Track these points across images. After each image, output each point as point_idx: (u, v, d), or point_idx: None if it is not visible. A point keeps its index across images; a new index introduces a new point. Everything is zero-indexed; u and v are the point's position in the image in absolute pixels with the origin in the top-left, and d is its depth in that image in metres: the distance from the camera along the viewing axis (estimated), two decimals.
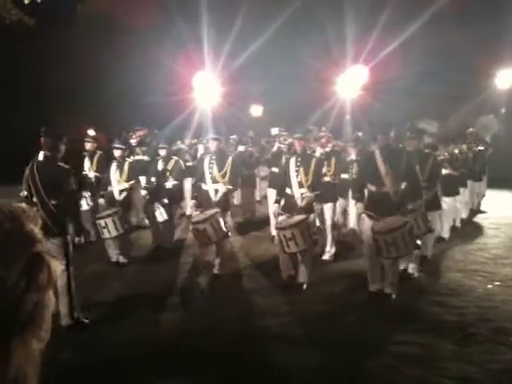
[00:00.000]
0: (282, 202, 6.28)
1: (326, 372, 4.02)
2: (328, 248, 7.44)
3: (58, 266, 0.85)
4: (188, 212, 9.66)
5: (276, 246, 6.64)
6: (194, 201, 6.90)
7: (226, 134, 10.79)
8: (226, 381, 3.98)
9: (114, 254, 7.27)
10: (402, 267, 6.15)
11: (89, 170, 8.73)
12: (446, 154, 8.40)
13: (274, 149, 9.56)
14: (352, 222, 8.70)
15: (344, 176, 8.00)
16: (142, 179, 8.54)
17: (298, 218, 5.80)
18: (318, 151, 7.66)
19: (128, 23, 17.78)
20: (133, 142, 10.06)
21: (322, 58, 16.46)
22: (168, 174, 8.12)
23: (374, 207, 5.59)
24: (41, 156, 4.97)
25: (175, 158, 8.44)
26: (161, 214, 7.85)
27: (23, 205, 0.88)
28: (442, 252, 7.55)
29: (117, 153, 7.82)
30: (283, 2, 17.91)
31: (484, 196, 11.52)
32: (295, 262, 6.10)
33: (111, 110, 17.36)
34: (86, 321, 5.02)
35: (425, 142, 7.23)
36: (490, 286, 6.01)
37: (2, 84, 16.41)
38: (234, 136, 12.66)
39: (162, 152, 8.29)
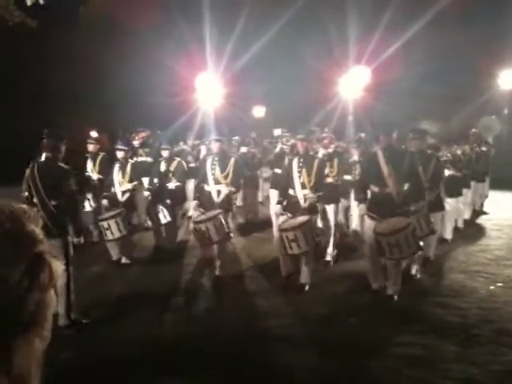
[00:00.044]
0: (285, 203, 6.28)
1: (327, 373, 4.02)
2: (330, 249, 7.43)
3: (59, 266, 0.85)
4: (190, 213, 9.68)
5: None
6: (196, 201, 6.91)
7: (228, 135, 10.82)
8: (227, 381, 3.99)
9: (116, 254, 7.28)
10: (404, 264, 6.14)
11: (91, 171, 8.75)
12: (448, 154, 8.39)
13: (277, 150, 9.56)
14: (354, 224, 8.69)
15: (347, 177, 7.99)
16: (145, 180, 8.55)
17: (301, 219, 5.79)
18: (321, 152, 7.66)
19: (130, 24, 17.82)
20: (135, 143, 10.08)
21: (325, 59, 16.48)
22: (170, 175, 8.13)
23: (377, 208, 5.58)
24: (43, 157, 5.00)
25: (177, 159, 8.44)
26: (164, 216, 7.86)
27: (24, 205, 0.88)
28: (445, 253, 7.54)
29: (119, 154, 7.83)
30: (285, 2, 17.94)
31: (487, 197, 11.49)
32: (297, 262, 6.10)
33: (114, 111, 17.40)
34: (84, 321, 5.03)
35: (427, 142, 7.21)
36: (492, 288, 5.99)
37: (5, 86, 16.46)
38: (236, 137, 12.67)
39: (165, 153, 8.30)
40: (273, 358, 4.30)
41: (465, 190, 8.98)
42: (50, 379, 1.00)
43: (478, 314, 5.15)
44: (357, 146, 8.68)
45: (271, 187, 9.06)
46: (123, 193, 7.60)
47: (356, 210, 7.76)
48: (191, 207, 7.66)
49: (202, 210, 6.65)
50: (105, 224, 6.87)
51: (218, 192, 6.69)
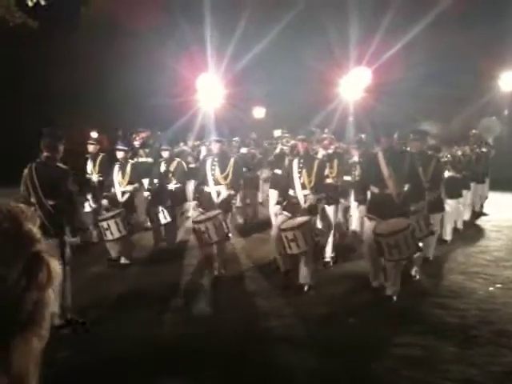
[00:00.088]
0: (284, 203, 6.29)
1: (327, 373, 4.02)
2: (329, 250, 7.43)
3: (57, 265, 0.86)
4: (190, 213, 9.68)
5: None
6: (195, 202, 6.92)
7: (228, 135, 10.82)
8: (226, 381, 3.99)
9: (115, 253, 7.28)
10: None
11: (91, 172, 8.76)
12: (448, 155, 8.39)
13: (277, 151, 9.57)
14: (354, 224, 8.70)
15: (346, 178, 7.99)
16: (145, 181, 8.56)
17: (301, 219, 5.80)
18: (321, 153, 7.67)
19: (131, 25, 17.84)
20: (136, 143, 10.09)
21: (325, 60, 16.48)
22: (170, 175, 8.14)
23: (377, 209, 5.59)
24: (42, 157, 5.01)
25: (177, 159, 8.45)
26: (164, 216, 7.87)
27: (21, 204, 0.89)
28: (444, 254, 7.54)
29: (119, 154, 7.83)
30: (286, 4, 17.96)
31: (487, 198, 11.48)
32: (296, 262, 6.10)
33: (115, 112, 17.40)
34: (80, 321, 5.03)
35: (428, 143, 7.22)
36: (491, 289, 6.00)
37: (6, 86, 16.48)
38: (236, 138, 12.67)
39: (165, 154, 8.31)
40: (273, 358, 4.30)
41: (465, 192, 8.98)
42: (50, 379, 1.00)
43: (477, 315, 5.16)
44: (357, 147, 8.69)
45: (271, 187, 9.07)
46: (123, 193, 7.61)
47: (356, 210, 7.78)
48: (191, 207, 7.67)
49: (201, 209, 6.66)
50: (104, 224, 6.88)
51: (218, 192, 6.71)
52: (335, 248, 7.38)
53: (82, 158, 9.06)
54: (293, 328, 4.99)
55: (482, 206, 11.17)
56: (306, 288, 5.98)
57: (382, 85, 15.02)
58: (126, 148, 8.11)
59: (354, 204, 7.89)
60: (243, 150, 11.09)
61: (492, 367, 4.03)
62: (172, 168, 8.18)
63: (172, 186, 8.08)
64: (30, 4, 8.74)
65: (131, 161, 8.23)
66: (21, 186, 5.01)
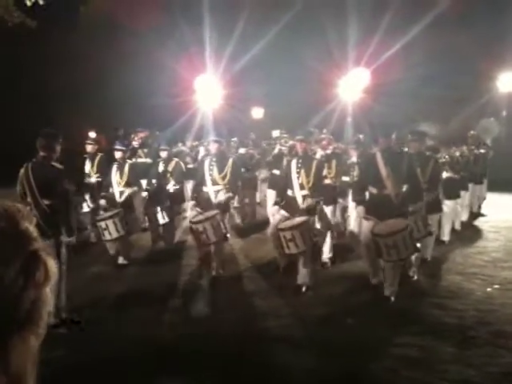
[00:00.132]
0: (282, 203, 6.29)
1: (325, 374, 4.02)
2: (327, 250, 7.43)
3: (54, 264, 0.86)
4: (188, 213, 9.69)
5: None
6: (193, 202, 6.92)
7: (227, 136, 10.83)
8: (225, 381, 3.99)
9: (114, 251, 7.27)
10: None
11: (90, 172, 8.75)
12: (446, 156, 8.40)
13: (275, 151, 9.58)
14: (352, 225, 8.70)
15: (345, 178, 8.00)
16: (144, 182, 8.55)
17: (299, 219, 5.81)
18: (319, 153, 7.67)
19: (131, 25, 17.84)
20: (135, 143, 10.09)
21: (324, 61, 16.50)
22: (169, 175, 8.14)
23: (375, 210, 5.59)
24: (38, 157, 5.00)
25: (176, 159, 8.45)
26: (162, 217, 7.87)
27: (18, 204, 0.89)
28: (442, 255, 7.54)
29: (117, 154, 7.82)
30: (285, 4, 17.99)
31: (485, 199, 11.50)
32: (294, 260, 6.10)
33: (114, 112, 17.41)
34: (76, 320, 5.01)
35: (426, 144, 7.23)
36: (489, 290, 6.00)
37: (5, 86, 16.47)
38: (235, 138, 12.67)
39: (163, 154, 8.31)
40: (271, 358, 4.30)
41: (463, 192, 8.98)
42: (47, 379, 1.00)
43: (475, 315, 5.16)
44: (355, 148, 8.70)
45: (269, 188, 9.08)
46: (121, 193, 7.61)
47: (354, 211, 7.78)
48: (188, 207, 7.67)
49: (198, 209, 6.66)
50: (103, 224, 6.88)
51: (216, 193, 6.70)
52: (333, 248, 7.39)
53: (80, 158, 9.06)
54: (291, 328, 4.98)
55: (479, 207, 11.18)
56: (304, 288, 5.98)
57: (380, 85, 15.05)
58: (123, 148, 8.11)
59: (351, 204, 7.90)
60: (241, 151, 11.09)
61: (490, 368, 4.03)
62: (170, 168, 8.18)
63: (170, 186, 8.07)
64: (29, 3, 8.74)
65: (129, 161, 8.22)
66: (17, 185, 5.01)
